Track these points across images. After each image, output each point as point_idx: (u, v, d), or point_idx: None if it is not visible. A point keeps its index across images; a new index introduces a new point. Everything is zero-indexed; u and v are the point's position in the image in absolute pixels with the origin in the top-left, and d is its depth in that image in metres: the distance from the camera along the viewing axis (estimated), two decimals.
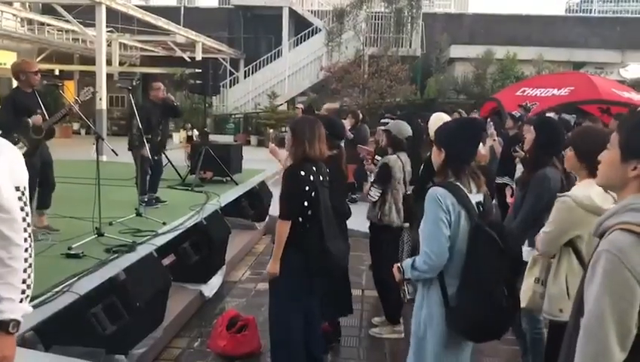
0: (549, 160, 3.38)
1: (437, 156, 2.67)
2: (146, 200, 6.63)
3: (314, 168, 3.38)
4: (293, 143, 3.39)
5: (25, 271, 1.87)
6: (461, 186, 2.54)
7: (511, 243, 2.50)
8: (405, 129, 4.64)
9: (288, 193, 3.36)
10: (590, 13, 24.62)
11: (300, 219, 3.33)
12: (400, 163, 4.54)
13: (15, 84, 5.36)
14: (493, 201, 5.19)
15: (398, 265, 2.69)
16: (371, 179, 4.89)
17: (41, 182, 5.33)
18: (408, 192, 4.65)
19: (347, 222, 4.37)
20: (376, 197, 4.49)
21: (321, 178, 3.43)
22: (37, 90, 5.28)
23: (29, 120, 5.00)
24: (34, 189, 5.22)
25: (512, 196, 3.99)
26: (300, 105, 12.24)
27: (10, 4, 17.21)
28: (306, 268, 3.36)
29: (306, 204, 3.32)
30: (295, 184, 3.32)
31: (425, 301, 2.57)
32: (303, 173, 3.32)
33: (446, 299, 2.49)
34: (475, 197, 2.58)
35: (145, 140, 6.21)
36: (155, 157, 6.92)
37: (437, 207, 2.46)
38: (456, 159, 2.61)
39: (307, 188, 3.31)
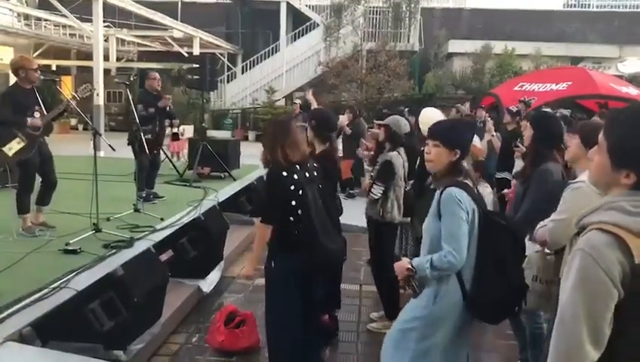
0: (549, 154, 3.37)
1: (445, 156, 2.69)
2: (143, 195, 6.62)
3: (297, 167, 3.29)
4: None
5: None
6: (469, 183, 2.65)
7: (516, 227, 2.67)
8: (404, 124, 4.62)
9: (269, 196, 3.31)
10: (588, 7, 24.49)
11: (292, 219, 3.23)
12: (401, 159, 4.53)
13: (12, 79, 5.33)
14: (492, 196, 5.20)
15: (409, 265, 2.67)
16: (368, 172, 4.86)
17: (42, 179, 5.31)
18: (407, 188, 4.64)
19: (344, 217, 4.34)
20: (379, 195, 4.44)
21: (307, 175, 3.33)
22: (35, 86, 5.26)
23: (28, 118, 4.97)
24: (33, 185, 5.21)
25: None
26: (298, 101, 12.19)
27: None
28: (302, 267, 3.27)
29: (294, 203, 3.21)
30: (277, 187, 3.24)
31: (438, 294, 2.60)
32: (285, 173, 3.23)
33: (464, 290, 2.56)
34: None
35: (142, 136, 6.20)
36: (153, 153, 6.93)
37: (457, 207, 2.54)
38: (464, 157, 2.74)
39: (293, 187, 3.21)
